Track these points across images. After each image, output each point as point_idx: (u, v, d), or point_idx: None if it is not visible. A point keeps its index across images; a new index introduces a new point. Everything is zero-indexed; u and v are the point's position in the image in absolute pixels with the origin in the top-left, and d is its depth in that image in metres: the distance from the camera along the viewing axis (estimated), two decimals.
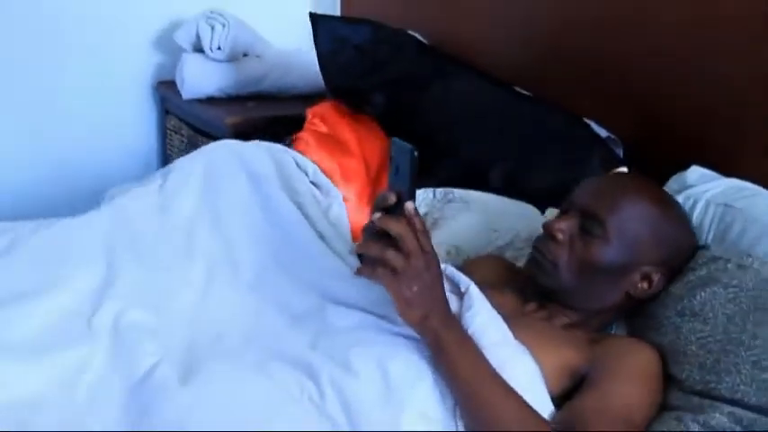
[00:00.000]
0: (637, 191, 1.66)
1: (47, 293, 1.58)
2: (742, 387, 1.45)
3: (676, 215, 1.69)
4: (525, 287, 1.77)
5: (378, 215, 1.36)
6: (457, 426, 1.41)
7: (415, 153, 1.34)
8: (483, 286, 1.58)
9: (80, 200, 1.98)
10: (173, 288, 1.71)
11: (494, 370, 1.42)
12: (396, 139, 1.39)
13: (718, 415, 1.43)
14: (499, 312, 1.53)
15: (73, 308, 1.58)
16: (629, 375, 1.50)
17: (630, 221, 1.61)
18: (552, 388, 1.49)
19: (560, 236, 1.62)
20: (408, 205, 1.35)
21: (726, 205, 1.75)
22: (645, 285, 1.64)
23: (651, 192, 1.69)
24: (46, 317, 1.55)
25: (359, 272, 1.41)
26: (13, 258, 1.66)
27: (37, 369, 1.45)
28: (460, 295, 1.53)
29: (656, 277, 1.64)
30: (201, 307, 1.71)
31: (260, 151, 2.05)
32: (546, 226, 1.66)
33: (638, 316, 1.69)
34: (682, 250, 1.67)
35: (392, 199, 1.36)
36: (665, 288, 1.66)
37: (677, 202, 1.74)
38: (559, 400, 1.49)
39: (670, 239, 1.65)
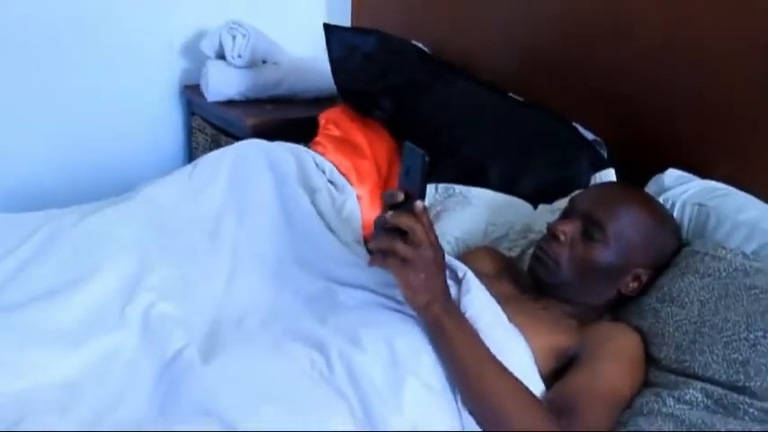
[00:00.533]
0: (634, 201, 1.68)
1: (84, 284, 1.59)
2: (714, 365, 1.46)
3: (666, 223, 1.71)
4: (519, 276, 1.80)
5: (390, 213, 1.39)
6: (456, 397, 1.42)
7: (427, 158, 1.37)
8: (480, 274, 1.59)
9: (111, 193, 1.98)
10: (200, 280, 1.72)
11: (489, 351, 1.43)
12: (408, 144, 1.41)
13: (691, 391, 1.45)
14: (495, 298, 1.54)
15: (108, 298, 1.58)
16: (615, 357, 1.52)
17: (628, 228, 1.63)
18: (543, 368, 1.51)
19: (563, 237, 1.64)
20: (418, 203, 1.38)
21: (700, 205, 1.76)
22: (635, 285, 1.66)
23: (646, 202, 1.71)
24: (83, 306, 1.55)
25: (371, 262, 1.43)
26: (53, 251, 1.66)
27: (75, 354, 1.46)
28: (458, 281, 1.54)
29: (644, 277, 1.66)
30: (226, 295, 1.73)
31: (284, 150, 2.06)
32: (550, 228, 1.67)
33: (622, 304, 1.71)
34: (668, 252, 1.69)
35: (400, 197, 1.39)
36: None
37: (667, 210, 1.76)
38: (549, 379, 1.50)
39: (659, 244, 1.67)
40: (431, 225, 1.42)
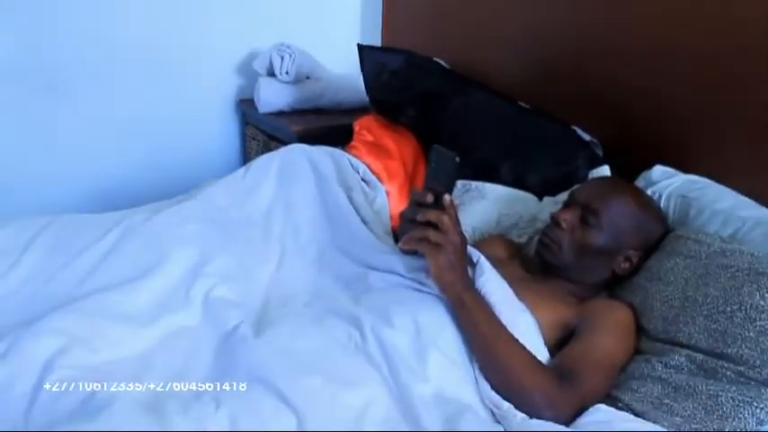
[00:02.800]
0: (625, 192, 1.68)
1: (153, 273, 1.61)
2: (696, 335, 1.47)
3: (653, 211, 1.71)
4: (527, 260, 1.79)
5: (420, 214, 1.42)
6: (473, 367, 1.43)
7: (457, 159, 1.39)
8: (493, 259, 1.60)
9: (178, 192, 2.02)
10: (253, 266, 1.73)
11: (502, 323, 1.44)
12: (438, 147, 1.43)
13: (677, 357, 1.46)
14: (506, 279, 1.55)
15: (174, 284, 1.61)
16: (610, 328, 1.53)
17: (619, 215, 1.63)
18: (548, 338, 1.51)
19: (564, 224, 1.64)
20: (446, 198, 1.42)
21: (683, 196, 1.76)
22: (626, 265, 1.66)
23: (635, 193, 1.71)
24: (153, 292, 1.58)
25: (404, 245, 1.46)
26: (127, 246, 1.68)
27: (147, 332, 1.49)
28: (473, 265, 1.55)
29: (635, 259, 1.65)
30: (275, 279, 1.74)
31: (323, 153, 2.06)
32: (553, 216, 1.68)
33: (616, 283, 1.71)
34: (655, 236, 1.68)
35: (430, 198, 1.42)
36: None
37: (653, 201, 1.76)
38: (554, 349, 1.51)
39: (647, 229, 1.67)
40: (456, 216, 1.44)
